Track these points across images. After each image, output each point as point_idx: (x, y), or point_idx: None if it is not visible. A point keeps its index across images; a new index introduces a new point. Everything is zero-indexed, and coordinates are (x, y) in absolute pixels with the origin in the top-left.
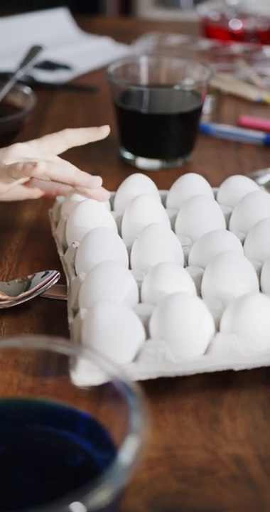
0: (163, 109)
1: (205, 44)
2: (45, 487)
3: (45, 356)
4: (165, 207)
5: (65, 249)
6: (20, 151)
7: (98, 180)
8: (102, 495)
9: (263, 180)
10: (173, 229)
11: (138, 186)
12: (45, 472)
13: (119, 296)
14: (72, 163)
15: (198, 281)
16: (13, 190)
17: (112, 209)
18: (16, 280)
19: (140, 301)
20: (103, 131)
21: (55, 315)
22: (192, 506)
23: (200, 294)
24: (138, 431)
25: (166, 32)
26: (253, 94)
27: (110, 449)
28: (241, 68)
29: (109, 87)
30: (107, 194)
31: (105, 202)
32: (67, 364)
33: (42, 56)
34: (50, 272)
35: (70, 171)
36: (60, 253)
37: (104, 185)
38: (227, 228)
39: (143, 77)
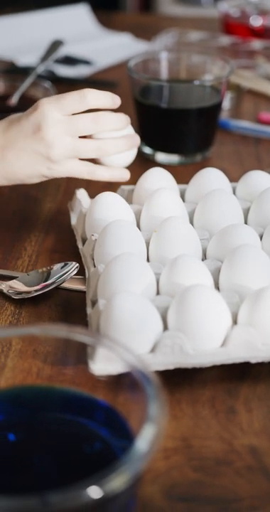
0: (182, 104)
1: (225, 40)
2: (63, 473)
3: (63, 345)
4: (183, 201)
5: (84, 241)
6: (62, 132)
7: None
8: (119, 480)
9: None
10: (192, 222)
11: (157, 180)
12: (63, 458)
13: (138, 287)
14: None
15: (216, 275)
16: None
17: (131, 202)
18: (36, 271)
19: (158, 293)
20: (123, 120)
21: (73, 306)
22: (208, 495)
23: (217, 288)
24: (155, 419)
25: (186, 28)
26: None
27: (127, 437)
28: (261, 65)
29: (129, 82)
30: (127, 174)
31: (124, 194)
32: (85, 353)
33: (63, 51)
34: (69, 263)
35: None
36: (79, 245)
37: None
38: (245, 223)
39: (163, 72)
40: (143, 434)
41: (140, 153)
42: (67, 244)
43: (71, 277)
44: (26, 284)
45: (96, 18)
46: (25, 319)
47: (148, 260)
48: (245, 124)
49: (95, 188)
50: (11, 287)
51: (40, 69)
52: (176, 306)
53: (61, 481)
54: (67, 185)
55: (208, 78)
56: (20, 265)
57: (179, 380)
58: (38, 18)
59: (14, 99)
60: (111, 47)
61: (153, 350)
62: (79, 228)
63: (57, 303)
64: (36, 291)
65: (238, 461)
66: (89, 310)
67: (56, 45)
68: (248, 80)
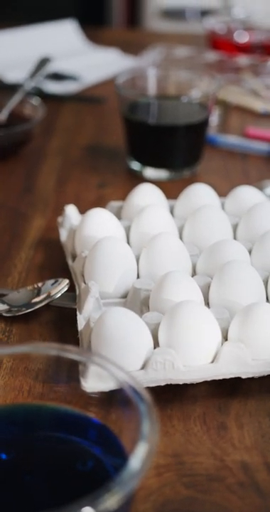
0: (170, 121)
1: (212, 56)
2: (56, 492)
3: (55, 363)
4: (173, 216)
5: (73, 257)
6: None
7: None
8: (112, 500)
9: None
10: (181, 238)
11: (147, 196)
12: (55, 477)
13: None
14: (79, 173)
15: (206, 291)
16: None
17: (120, 218)
18: (26, 288)
19: (148, 309)
20: None
21: (64, 323)
22: None
23: (207, 303)
24: (148, 437)
25: (173, 43)
26: (259, 106)
27: (120, 455)
28: (248, 80)
29: (117, 99)
30: None
31: (113, 210)
32: (77, 371)
33: (51, 67)
34: (60, 280)
35: None
36: (69, 262)
37: (111, 196)
38: (235, 238)
39: (151, 89)
40: (136, 452)
41: (128, 169)
42: (57, 260)
43: (62, 294)
44: (16, 302)
45: (84, 33)
46: (16, 337)
47: (138, 277)
48: (232, 140)
49: (85, 204)
50: (0, 305)
51: (29, 86)
52: (166, 322)
53: (54, 500)
54: (57, 202)
55: (195, 94)
56: (10, 282)
57: (170, 397)
58: (24, 33)
59: (2, 116)
60: (99, 63)
61: (144, 367)
62: (68, 245)
63: (47, 320)
64: (27, 308)
65: (230, 477)
66: (80, 327)
67: (44, 62)
68: (235, 95)
